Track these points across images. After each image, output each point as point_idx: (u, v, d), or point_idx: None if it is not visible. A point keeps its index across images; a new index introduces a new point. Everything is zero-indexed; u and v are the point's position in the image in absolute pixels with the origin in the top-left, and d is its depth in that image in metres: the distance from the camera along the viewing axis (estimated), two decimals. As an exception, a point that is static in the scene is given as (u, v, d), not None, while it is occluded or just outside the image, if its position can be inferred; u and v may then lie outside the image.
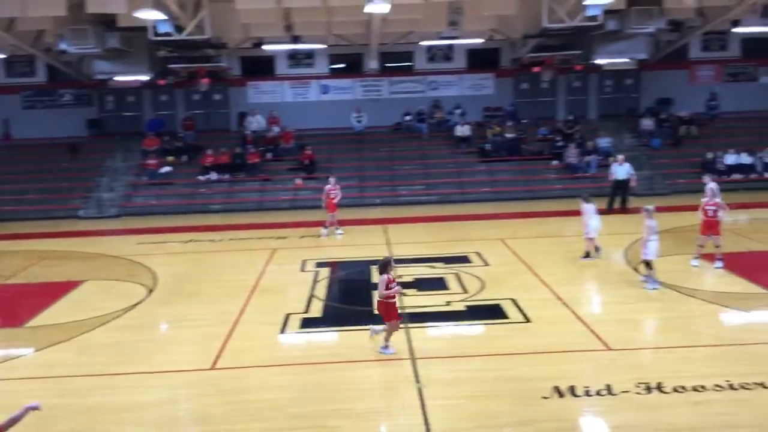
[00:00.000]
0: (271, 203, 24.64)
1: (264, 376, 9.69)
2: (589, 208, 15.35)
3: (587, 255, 15.54)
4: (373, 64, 27.43)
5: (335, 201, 19.07)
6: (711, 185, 16.19)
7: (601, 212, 19.35)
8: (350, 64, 28.66)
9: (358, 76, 28.56)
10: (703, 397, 8.49)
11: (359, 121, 27.73)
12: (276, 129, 27.45)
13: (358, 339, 11.00)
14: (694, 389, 8.68)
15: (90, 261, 17.41)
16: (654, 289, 13.01)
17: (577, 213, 16.35)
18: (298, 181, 19.66)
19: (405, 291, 13.29)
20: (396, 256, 16.37)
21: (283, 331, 11.59)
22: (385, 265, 10.08)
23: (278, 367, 9.99)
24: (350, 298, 13.84)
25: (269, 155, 26.57)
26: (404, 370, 9.71)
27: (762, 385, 8.72)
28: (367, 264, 15.78)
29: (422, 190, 24.90)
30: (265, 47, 26.18)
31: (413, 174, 25.69)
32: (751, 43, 27.88)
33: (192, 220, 22.46)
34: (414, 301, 12.91)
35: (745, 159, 24.51)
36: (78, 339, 11.45)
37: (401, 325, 10.67)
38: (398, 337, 10.98)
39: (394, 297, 10.11)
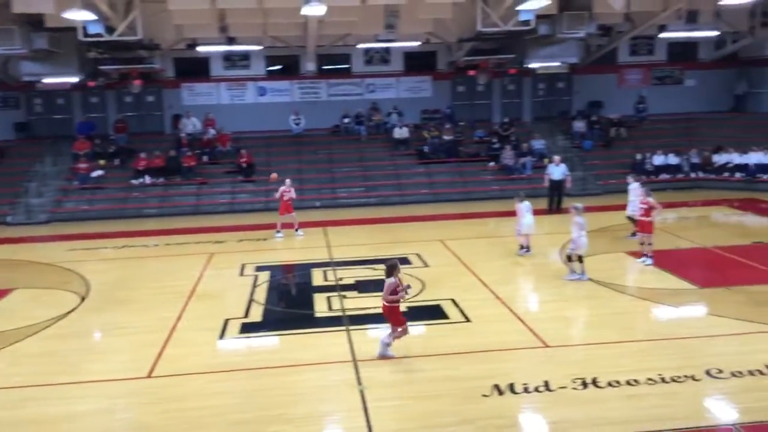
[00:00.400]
0: (207, 207, 24.24)
1: (203, 383, 9.52)
2: (523, 206, 15.82)
3: (525, 248, 16.11)
4: (310, 66, 27.32)
5: (287, 201, 19.02)
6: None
7: (543, 213, 20.10)
8: (287, 66, 28.47)
9: (296, 78, 28.39)
10: (637, 391, 8.77)
11: (297, 124, 27.57)
12: (212, 131, 27.01)
13: (300, 343, 10.95)
14: (628, 383, 8.96)
15: (19, 268, 16.76)
16: (578, 280, 13.68)
17: (513, 213, 16.74)
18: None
19: (346, 294, 13.32)
20: (336, 259, 16.40)
21: (222, 336, 11.42)
22: (391, 268, 9.94)
23: (218, 373, 9.83)
24: (291, 302, 13.76)
25: (205, 158, 26.13)
26: (346, 372, 9.70)
27: (692, 377, 9.07)
28: (307, 267, 15.72)
29: (361, 192, 24.92)
30: (199, 48, 25.74)
31: (352, 176, 25.69)
32: (677, 47, 28.96)
33: (125, 225, 21.88)
34: (355, 303, 12.91)
35: (672, 160, 25.42)
36: (8, 349, 11.03)
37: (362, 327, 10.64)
38: (339, 339, 10.99)
39: (398, 301, 10.04)
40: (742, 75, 28.73)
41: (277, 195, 19.20)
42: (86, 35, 19.99)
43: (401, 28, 22.48)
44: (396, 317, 10.06)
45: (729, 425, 7.92)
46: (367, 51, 28.08)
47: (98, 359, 10.64)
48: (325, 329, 11.61)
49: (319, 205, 23.97)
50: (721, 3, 20.60)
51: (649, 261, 14.83)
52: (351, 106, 28.11)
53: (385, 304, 9.97)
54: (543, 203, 21.35)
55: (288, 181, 19.42)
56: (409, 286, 10.24)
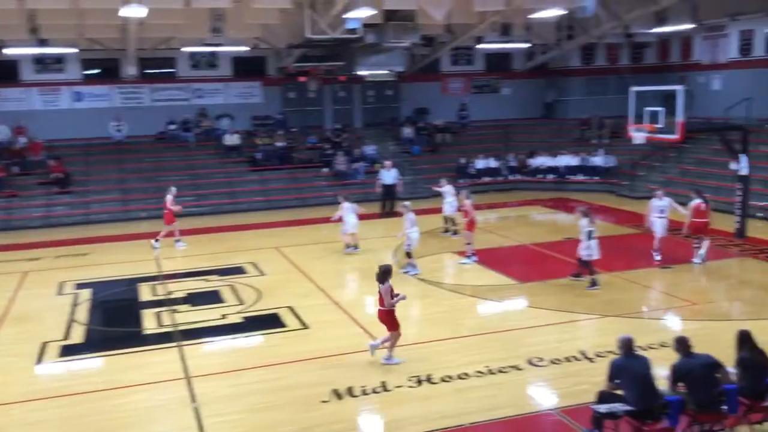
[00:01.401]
0: (19, 222, 22.29)
1: (21, 412, 8.76)
2: (347, 207, 16.67)
3: (354, 246, 16.97)
4: (131, 70, 25.96)
5: (171, 211, 18.17)
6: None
7: (376, 217, 20.68)
8: (106, 70, 26.86)
9: (116, 83, 26.87)
10: (467, 384, 9.20)
11: (119, 130, 26.12)
12: (23, 140, 24.90)
13: (128, 362, 10.37)
14: (459, 377, 9.38)
15: None
16: (415, 274, 14.46)
17: (358, 216, 17.07)
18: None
19: (177, 308, 12.83)
20: (166, 271, 15.71)
21: (39, 361, 10.55)
22: (385, 274, 9.86)
23: (37, 401, 9.08)
24: (117, 320, 12.98)
25: (16, 169, 24.03)
26: (179, 390, 9.32)
27: (516, 367, 9.66)
28: (134, 282, 14.92)
29: (192, 201, 24.06)
30: (6, 51, 23.63)
31: (181, 185, 24.60)
32: (493, 58, 30.81)
33: None
34: (187, 317, 12.45)
35: (493, 163, 27.04)
36: None
37: (182, 344, 10.22)
38: (171, 356, 10.54)
39: (394, 306, 9.90)
40: (550, 84, 31.15)
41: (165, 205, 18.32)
42: None
43: (228, 32, 22.01)
44: (394, 322, 9.95)
45: (550, 410, 8.52)
46: (192, 55, 27.19)
47: None
48: (154, 346, 11.10)
49: (145, 216, 22.90)
50: (531, 17, 22.17)
51: (471, 260, 15.66)
52: (177, 112, 27.08)
53: (383, 309, 9.87)
54: (376, 207, 21.86)
55: (173, 189, 18.64)
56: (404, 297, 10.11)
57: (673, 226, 15.56)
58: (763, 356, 7.63)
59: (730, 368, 7.54)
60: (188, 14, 19.70)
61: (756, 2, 22.68)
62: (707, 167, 22.98)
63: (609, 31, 25.15)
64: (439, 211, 19.20)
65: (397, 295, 9.93)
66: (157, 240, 18.23)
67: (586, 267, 13.47)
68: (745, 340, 7.69)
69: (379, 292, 9.91)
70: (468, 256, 15.74)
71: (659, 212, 14.89)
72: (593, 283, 13.32)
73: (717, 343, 9.13)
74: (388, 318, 9.98)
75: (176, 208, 18.22)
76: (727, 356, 7.73)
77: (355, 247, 17.02)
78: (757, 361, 7.55)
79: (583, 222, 13.43)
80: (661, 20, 25.76)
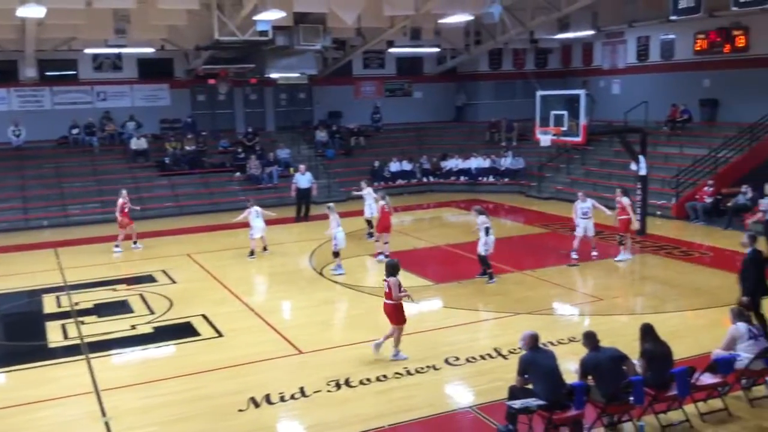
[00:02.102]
0: None
1: None
2: (253, 210, 16.73)
3: (263, 249, 17.00)
4: (30, 72, 24.72)
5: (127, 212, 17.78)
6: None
7: (292, 221, 20.62)
8: (3, 72, 25.48)
9: (14, 85, 25.54)
10: (386, 386, 9.26)
11: (17, 135, 24.86)
12: None
13: (32, 378, 9.88)
14: (378, 380, 9.43)
15: None
16: (341, 273, 14.68)
17: (265, 221, 16.91)
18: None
19: (84, 319, 12.36)
20: (71, 282, 15.06)
21: (-68, 382, 9.90)
22: (394, 268, 10.04)
23: (-72, 425, 8.50)
24: (20, 334, 12.34)
25: None
26: (89, 405, 8.96)
27: (433, 367, 9.80)
28: (37, 293, 14.22)
29: (97, 208, 23.16)
30: None
31: (86, 191, 23.79)
32: (405, 62, 31.16)
33: None
34: (95, 328, 11.97)
35: (406, 166, 27.32)
36: None
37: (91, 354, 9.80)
38: (79, 369, 10.13)
39: (401, 300, 9.98)
40: (460, 88, 31.78)
41: (117, 209, 17.80)
42: None
43: (133, 33, 21.34)
44: (401, 315, 10.01)
45: (467, 408, 8.68)
46: (96, 57, 26.20)
47: None
48: (61, 360, 10.61)
49: (47, 225, 21.91)
50: (440, 21, 22.56)
51: (381, 258, 15.99)
52: (80, 116, 26.00)
53: (391, 302, 9.93)
54: (292, 212, 21.71)
55: (124, 191, 18.24)
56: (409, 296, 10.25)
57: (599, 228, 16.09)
58: (666, 348, 8.05)
59: (635, 360, 7.92)
60: (90, 14, 18.95)
61: (651, 10, 23.90)
62: (609, 168, 24.02)
63: (515, 37, 25.92)
64: (355, 214, 19.25)
65: (405, 290, 10.06)
66: (117, 246, 17.84)
67: (485, 263, 13.98)
68: (648, 332, 8.09)
69: (388, 285, 9.97)
70: (381, 254, 15.99)
71: (582, 214, 15.45)
72: (490, 277, 13.95)
73: (622, 336, 9.58)
74: (394, 311, 10.06)
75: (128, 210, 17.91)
76: (632, 349, 8.10)
77: (264, 249, 16.99)
78: (660, 353, 7.95)
79: (481, 219, 13.95)
80: (564, 27, 26.79)
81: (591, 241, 15.68)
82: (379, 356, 10.11)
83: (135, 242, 18.22)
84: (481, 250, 13.96)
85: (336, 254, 15.07)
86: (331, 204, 15.69)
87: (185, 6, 18.95)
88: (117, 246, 17.88)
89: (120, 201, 17.91)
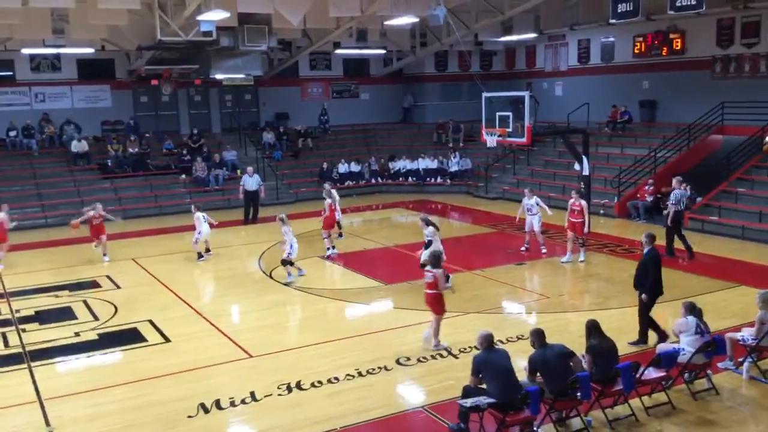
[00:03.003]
0: None
1: None
2: (199, 216, 16.57)
3: (207, 250, 16.89)
4: (-37, 72, 23.90)
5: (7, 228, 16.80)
6: (330, 191, 18.21)
7: (240, 224, 20.38)
8: (-66, 72, 24.59)
9: (-54, 86, 24.66)
10: (338, 388, 9.24)
11: (-50, 138, 23.97)
12: None
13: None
14: (329, 381, 9.40)
15: None
16: (301, 275, 14.61)
17: (210, 226, 16.66)
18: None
19: (25, 327, 11.99)
20: (10, 289, 14.59)
21: None
22: (438, 259, 10.41)
23: None
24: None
25: None
26: (31, 415, 8.69)
27: (384, 368, 9.83)
28: (-27, 302, 13.72)
29: (36, 212, 22.48)
30: None
31: (24, 195, 23.05)
32: (351, 63, 31.18)
33: None
34: (37, 336, 11.62)
35: (355, 167, 27.29)
36: None
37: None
38: (20, 379, 9.83)
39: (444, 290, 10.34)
40: (407, 90, 31.98)
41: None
42: None
43: (72, 33, 20.80)
44: (441, 305, 10.30)
45: (419, 407, 8.73)
46: (33, 57, 25.42)
47: None
48: (2, 369, 10.26)
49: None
50: (386, 23, 22.64)
51: (333, 251, 16.50)
52: (18, 118, 25.20)
53: (434, 292, 10.21)
54: (239, 214, 21.48)
55: (5, 207, 17.09)
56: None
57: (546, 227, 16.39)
58: (611, 343, 8.26)
59: (582, 356, 8.10)
60: (27, 14, 18.39)
61: (591, 14, 24.51)
62: (554, 168, 24.51)
63: (460, 39, 26.18)
64: (303, 216, 19.16)
65: (449, 284, 10.57)
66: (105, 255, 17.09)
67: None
68: (593, 329, 8.29)
69: (434, 276, 10.19)
70: (330, 249, 16.44)
71: (527, 210, 15.99)
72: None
73: (568, 333, 9.79)
74: (436, 301, 10.27)
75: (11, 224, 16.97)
76: (579, 345, 8.29)
77: (207, 250, 16.86)
78: (606, 348, 8.16)
79: (429, 230, 14.08)
80: (507, 30, 27.26)
81: (539, 237, 16.00)
82: (427, 345, 10.46)
83: (105, 255, 17.12)
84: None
85: (287, 262, 14.57)
86: (283, 215, 15.03)
87: (126, 6, 18.54)
88: (105, 255, 17.07)
89: (91, 213, 17.08)
